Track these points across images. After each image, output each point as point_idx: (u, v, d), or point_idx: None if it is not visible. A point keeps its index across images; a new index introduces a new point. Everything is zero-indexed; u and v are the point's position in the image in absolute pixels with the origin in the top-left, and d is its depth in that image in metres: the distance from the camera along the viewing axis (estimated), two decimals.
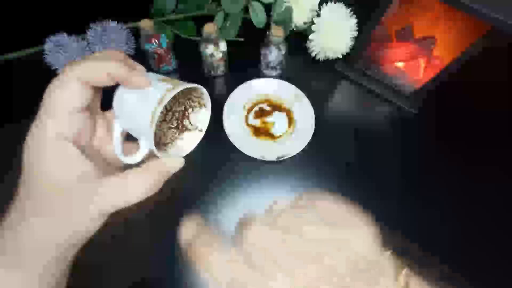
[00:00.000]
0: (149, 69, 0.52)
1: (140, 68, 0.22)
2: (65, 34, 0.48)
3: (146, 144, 0.23)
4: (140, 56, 0.50)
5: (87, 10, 0.53)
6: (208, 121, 0.26)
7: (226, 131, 0.46)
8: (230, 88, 0.51)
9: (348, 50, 0.53)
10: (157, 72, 0.52)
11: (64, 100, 0.19)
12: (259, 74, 0.54)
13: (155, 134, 0.26)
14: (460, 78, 0.45)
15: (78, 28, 0.49)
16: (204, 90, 0.24)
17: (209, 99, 0.25)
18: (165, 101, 0.20)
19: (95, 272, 0.37)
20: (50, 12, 0.53)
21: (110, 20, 0.50)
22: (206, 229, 0.20)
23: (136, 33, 0.50)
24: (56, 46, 0.48)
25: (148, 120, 0.20)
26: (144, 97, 0.21)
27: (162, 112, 0.27)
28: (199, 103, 0.26)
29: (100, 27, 0.49)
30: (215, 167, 0.45)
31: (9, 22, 0.54)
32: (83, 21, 0.50)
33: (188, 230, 0.21)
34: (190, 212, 0.42)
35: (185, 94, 0.26)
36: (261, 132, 0.49)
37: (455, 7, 0.37)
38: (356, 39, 0.52)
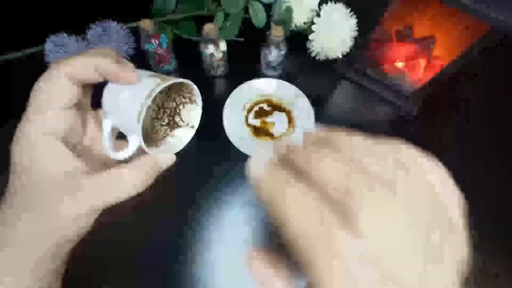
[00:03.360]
0: (149, 69, 0.52)
1: (129, 64, 0.22)
2: (65, 34, 0.48)
3: (135, 140, 0.23)
4: (140, 56, 0.50)
5: (87, 10, 0.53)
6: (199, 117, 0.26)
7: (226, 131, 0.46)
8: (230, 88, 0.51)
9: (348, 50, 0.53)
10: (157, 72, 0.53)
11: (51, 96, 0.19)
12: (259, 74, 0.54)
13: (147, 131, 0.26)
14: (460, 78, 0.45)
15: (78, 28, 0.49)
16: (194, 86, 0.24)
17: (200, 95, 0.25)
18: (153, 96, 0.20)
19: (94, 275, 0.37)
20: (50, 12, 0.53)
21: (110, 20, 0.50)
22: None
23: (136, 33, 0.50)
24: (56, 46, 0.48)
25: (136, 115, 0.20)
26: (133, 93, 0.21)
27: (153, 109, 0.27)
28: (190, 99, 0.26)
29: (100, 27, 0.49)
30: (215, 167, 0.45)
31: (9, 22, 0.54)
32: (83, 21, 0.50)
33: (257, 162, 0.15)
34: (191, 212, 0.42)
35: (176, 91, 0.26)
36: (261, 132, 0.49)
37: (455, 7, 0.37)
38: (356, 39, 0.52)
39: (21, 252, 0.19)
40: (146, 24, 0.44)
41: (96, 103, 0.24)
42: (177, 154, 0.24)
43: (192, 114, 0.27)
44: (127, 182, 0.19)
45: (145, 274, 0.38)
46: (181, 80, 0.22)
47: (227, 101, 0.49)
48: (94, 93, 0.24)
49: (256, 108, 0.51)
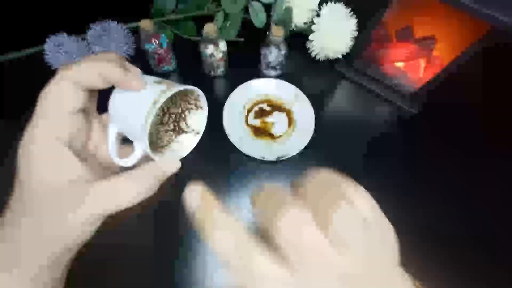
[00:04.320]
0: (149, 69, 0.52)
1: (135, 70, 0.22)
2: (65, 34, 0.48)
3: (140, 147, 0.23)
4: (140, 56, 0.50)
5: (87, 10, 0.53)
6: (205, 124, 0.26)
7: (226, 131, 0.46)
8: (230, 88, 0.51)
9: (348, 50, 0.53)
10: (157, 72, 0.53)
11: (57, 102, 0.19)
12: (259, 74, 0.54)
13: (151, 136, 0.26)
14: (460, 78, 0.45)
15: (78, 28, 0.49)
16: (201, 92, 0.24)
17: (206, 101, 0.25)
18: (159, 103, 0.20)
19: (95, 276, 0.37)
20: (50, 12, 0.53)
21: (110, 20, 0.50)
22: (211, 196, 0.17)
23: (136, 33, 0.50)
24: (56, 46, 0.48)
25: (142, 122, 0.20)
26: (139, 99, 0.21)
27: (158, 115, 0.27)
28: (195, 105, 0.26)
29: (100, 27, 0.49)
30: (215, 167, 0.45)
31: (9, 22, 0.54)
32: (83, 21, 0.50)
33: (193, 194, 0.18)
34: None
35: (182, 96, 0.26)
36: (261, 132, 0.49)
37: (455, 7, 0.37)
38: (356, 39, 0.52)
39: (23, 259, 0.18)
40: (146, 24, 0.44)
41: (102, 108, 0.24)
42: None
43: (197, 120, 0.26)
44: (131, 190, 0.19)
45: (145, 275, 0.38)
46: (187, 87, 0.22)
47: (227, 101, 0.49)
48: (100, 98, 0.24)
49: (256, 108, 0.51)
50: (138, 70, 0.22)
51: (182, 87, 0.21)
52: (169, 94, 0.20)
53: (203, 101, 0.25)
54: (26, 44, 0.51)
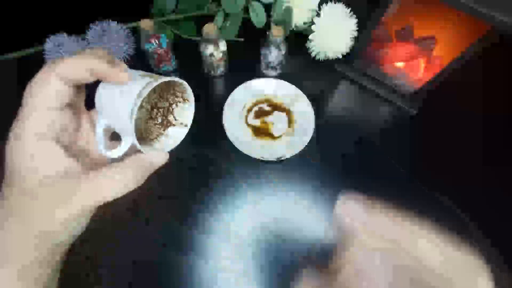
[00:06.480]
0: (149, 69, 0.52)
1: (120, 64, 0.22)
2: (65, 34, 0.48)
3: (128, 139, 0.23)
4: (140, 56, 0.50)
5: (87, 10, 0.53)
6: (192, 116, 0.27)
7: (226, 131, 0.46)
8: (230, 88, 0.51)
9: (348, 50, 0.53)
10: (157, 72, 0.53)
11: (43, 97, 0.19)
12: (259, 74, 0.54)
13: (141, 131, 0.27)
14: (460, 78, 0.45)
15: (78, 28, 0.50)
16: (186, 84, 0.24)
17: (192, 93, 0.25)
18: (144, 94, 0.20)
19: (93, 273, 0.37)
20: (50, 12, 0.53)
21: (110, 20, 0.50)
22: None
23: (136, 33, 0.50)
24: (56, 46, 0.48)
25: (128, 114, 0.20)
26: (124, 92, 0.21)
27: (147, 109, 0.28)
28: (183, 98, 0.26)
29: (100, 27, 0.49)
30: (215, 167, 0.45)
31: (9, 22, 0.54)
32: (83, 21, 0.50)
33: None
34: (189, 212, 0.42)
35: (170, 90, 0.27)
36: (261, 132, 0.49)
37: (455, 7, 0.37)
38: (356, 39, 0.52)
39: (14, 254, 0.18)
40: (146, 24, 0.44)
41: (91, 104, 0.24)
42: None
43: (185, 112, 0.27)
44: (119, 182, 0.19)
45: (140, 275, 0.38)
46: (172, 78, 0.22)
47: (227, 101, 0.49)
48: (89, 94, 0.24)
49: (256, 108, 0.51)
50: (124, 64, 0.22)
51: (166, 79, 0.22)
52: (153, 85, 0.21)
53: (190, 94, 0.25)
54: (26, 44, 0.51)
